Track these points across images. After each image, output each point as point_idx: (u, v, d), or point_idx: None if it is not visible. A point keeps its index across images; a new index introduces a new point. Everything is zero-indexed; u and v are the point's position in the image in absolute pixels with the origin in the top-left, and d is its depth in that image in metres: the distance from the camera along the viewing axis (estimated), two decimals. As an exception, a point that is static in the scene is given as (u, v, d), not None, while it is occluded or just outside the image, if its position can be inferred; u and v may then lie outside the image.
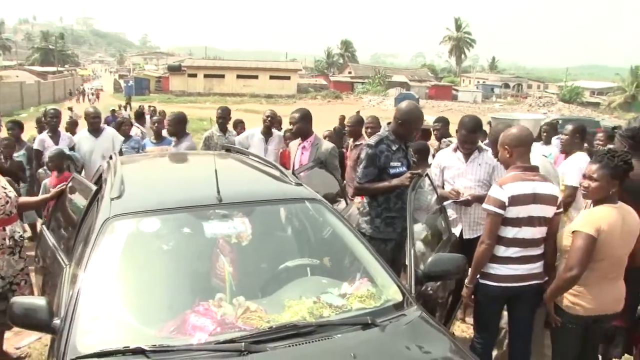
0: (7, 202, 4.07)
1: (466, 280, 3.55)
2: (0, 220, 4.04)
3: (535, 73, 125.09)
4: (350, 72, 75.64)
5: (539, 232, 3.45)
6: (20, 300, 2.54)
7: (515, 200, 3.36)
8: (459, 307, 3.87)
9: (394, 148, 4.13)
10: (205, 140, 7.15)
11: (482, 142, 4.70)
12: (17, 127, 7.75)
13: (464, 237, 4.41)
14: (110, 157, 4.16)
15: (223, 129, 7.29)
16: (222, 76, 57.97)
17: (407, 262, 3.16)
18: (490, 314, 3.58)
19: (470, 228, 4.43)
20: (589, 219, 3.27)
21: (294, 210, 3.36)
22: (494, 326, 3.64)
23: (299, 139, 5.59)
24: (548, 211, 3.45)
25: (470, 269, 3.46)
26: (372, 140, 4.18)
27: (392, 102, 52.29)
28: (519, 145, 3.49)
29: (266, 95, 53.93)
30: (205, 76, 57.62)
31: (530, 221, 3.41)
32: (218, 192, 2.95)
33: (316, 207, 3.26)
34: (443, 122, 6.67)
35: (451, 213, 4.44)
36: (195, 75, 57.88)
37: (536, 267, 3.50)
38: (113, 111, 14.34)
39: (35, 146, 7.10)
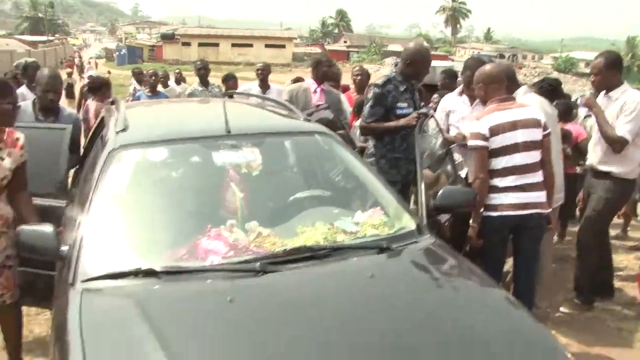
0: None
1: (471, 220, 3.56)
2: None
3: (530, 45, 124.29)
4: (345, 42, 75.02)
5: (529, 157, 3.47)
6: (27, 227, 2.50)
7: (496, 130, 3.42)
8: (466, 246, 3.85)
9: (401, 89, 4.11)
10: (189, 96, 7.07)
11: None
12: None
13: (469, 181, 4.39)
14: (112, 102, 4.09)
15: (204, 82, 7.18)
16: (217, 45, 57.29)
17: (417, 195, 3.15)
18: (495, 245, 3.57)
19: (475, 172, 4.40)
20: None
21: (304, 142, 3.31)
22: (499, 259, 3.63)
23: (315, 81, 5.44)
24: (533, 134, 3.48)
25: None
26: (380, 80, 4.15)
27: (387, 71, 51.94)
28: (492, 82, 3.57)
29: (261, 63, 53.30)
30: (200, 45, 56.87)
31: (517, 147, 3.44)
32: (227, 123, 2.89)
33: (326, 141, 3.21)
34: (447, 74, 6.56)
35: (456, 157, 4.41)
36: (189, 44, 57.12)
37: (538, 195, 3.51)
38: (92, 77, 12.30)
39: None
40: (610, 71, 4.21)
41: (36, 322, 4.23)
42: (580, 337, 4.02)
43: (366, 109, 4.17)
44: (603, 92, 4.34)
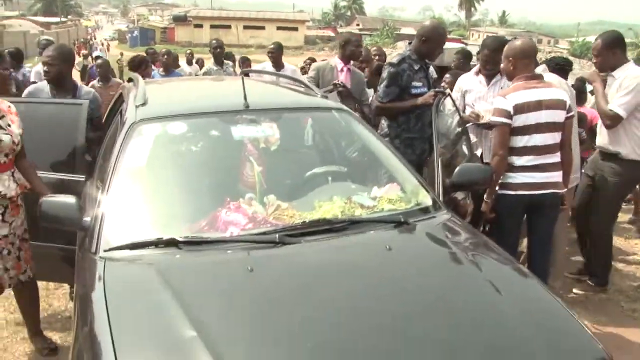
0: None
1: (485, 195, 3.57)
2: None
3: (545, 29, 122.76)
4: (358, 25, 74.43)
5: (550, 137, 3.46)
6: (50, 198, 2.54)
7: (520, 109, 3.39)
8: (482, 224, 3.87)
9: (415, 68, 4.10)
10: (204, 75, 7.09)
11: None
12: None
13: (484, 160, 4.38)
14: (130, 80, 4.12)
15: (219, 61, 7.20)
16: (229, 27, 57.13)
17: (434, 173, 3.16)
18: (509, 224, 3.58)
19: (490, 151, 4.38)
20: None
21: (322, 118, 3.32)
22: (513, 238, 3.63)
23: (341, 60, 5.35)
24: (557, 116, 3.46)
25: None
26: (395, 59, 4.15)
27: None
28: (523, 58, 3.51)
29: (273, 44, 53.17)
30: (212, 27, 56.73)
31: (539, 128, 3.43)
32: (245, 98, 2.90)
33: (344, 117, 3.23)
34: (461, 54, 6.49)
35: (471, 137, 4.40)
36: (201, 26, 57.01)
37: (554, 175, 3.50)
38: (99, 58, 9.84)
39: (32, 78, 6.60)
40: (610, 51, 4.14)
41: (55, 296, 4.31)
42: (594, 318, 4.03)
43: (381, 88, 4.15)
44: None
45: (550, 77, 3.99)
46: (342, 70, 5.28)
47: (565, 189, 3.63)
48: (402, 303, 2.02)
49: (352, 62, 5.42)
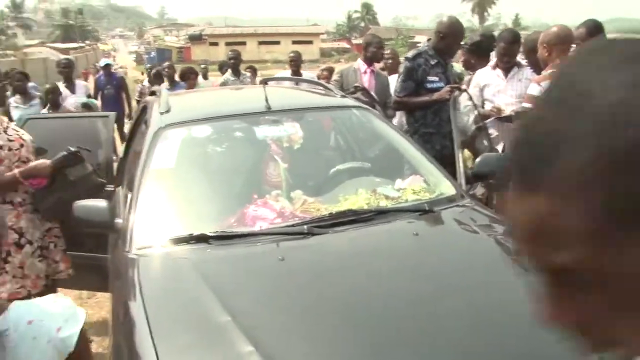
0: (21, 146, 3.01)
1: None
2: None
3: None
4: (371, 35, 74.76)
5: None
6: (82, 203, 2.61)
7: None
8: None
9: (432, 62, 4.14)
10: (221, 86, 7.22)
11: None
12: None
13: (507, 155, 4.39)
14: (153, 93, 4.22)
15: (236, 71, 7.34)
16: (244, 43, 57.75)
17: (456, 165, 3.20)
18: None
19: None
20: None
21: (343, 117, 3.39)
22: None
23: (364, 62, 5.33)
24: None
25: None
26: (410, 53, 4.21)
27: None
28: (559, 44, 3.51)
29: (293, 52, 53.67)
30: (227, 44, 57.28)
31: None
32: (267, 101, 2.97)
33: (364, 114, 3.28)
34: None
35: (492, 131, 4.41)
36: (216, 44, 57.85)
37: None
38: (107, 66, 9.83)
39: None
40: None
41: (87, 305, 4.40)
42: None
43: (398, 83, 4.22)
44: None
45: None
46: (365, 72, 5.29)
47: None
48: (432, 283, 2.05)
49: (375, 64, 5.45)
